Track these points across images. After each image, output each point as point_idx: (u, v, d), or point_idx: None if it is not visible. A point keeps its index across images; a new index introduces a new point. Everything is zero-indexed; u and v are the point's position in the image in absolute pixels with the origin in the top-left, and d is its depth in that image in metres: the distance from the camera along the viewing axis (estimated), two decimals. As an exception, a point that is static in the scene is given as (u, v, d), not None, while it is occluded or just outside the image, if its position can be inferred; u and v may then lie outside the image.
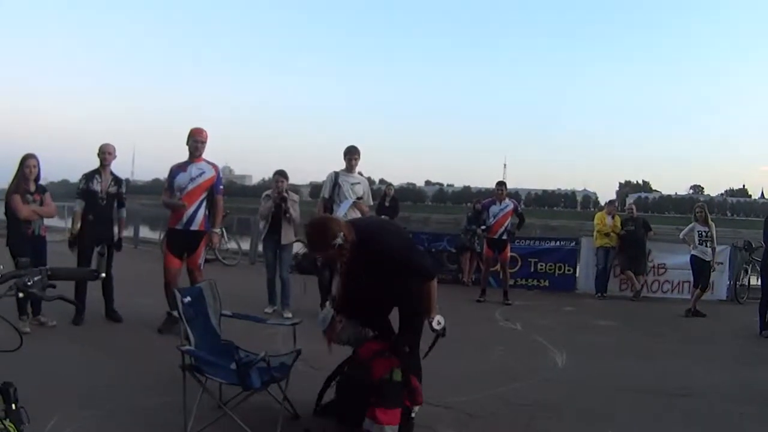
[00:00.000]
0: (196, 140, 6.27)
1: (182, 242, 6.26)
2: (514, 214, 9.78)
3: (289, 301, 7.42)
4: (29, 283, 1.93)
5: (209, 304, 4.18)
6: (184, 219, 6.18)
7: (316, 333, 3.98)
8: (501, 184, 9.93)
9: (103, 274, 2.18)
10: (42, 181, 6.39)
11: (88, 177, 6.62)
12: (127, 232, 16.30)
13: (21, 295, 1.93)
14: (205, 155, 6.35)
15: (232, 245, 13.50)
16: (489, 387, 4.98)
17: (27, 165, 6.08)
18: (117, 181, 6.73)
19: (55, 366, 4.98)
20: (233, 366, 3.50)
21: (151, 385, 4.52)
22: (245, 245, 13.68)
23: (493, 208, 9.68)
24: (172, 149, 6.42)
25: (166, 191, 6.42)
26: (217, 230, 6.40)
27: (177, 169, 6.31)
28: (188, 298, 3.97)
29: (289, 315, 7.03)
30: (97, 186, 6.56)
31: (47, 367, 4.88)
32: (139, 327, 6.36)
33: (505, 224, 9.65)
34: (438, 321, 3.71)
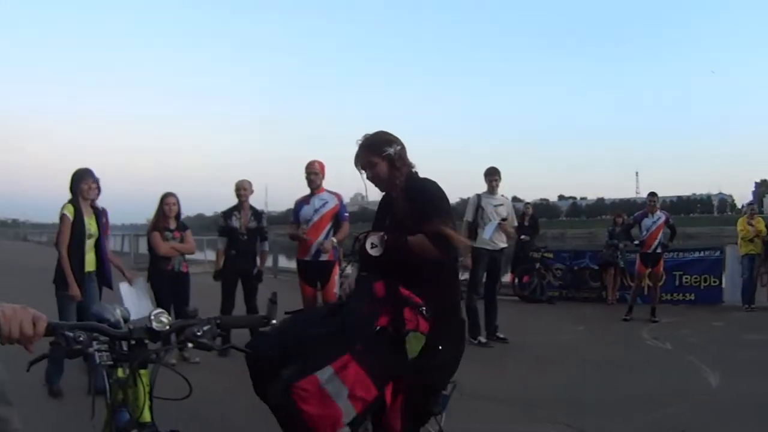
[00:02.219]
0: (308, 173, 6.39)
1: (313, 273, 6.39)
2: (665, 226, 9.31)
3: None
4: (198, 333, 1.90)
5: None
6: (312, 250, 6.28)
7: (472, 359, 3.75)
8: (653, 195, 9.52)
9: (274, 321, 2.02)
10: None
11: (227, 215, 6.95)
12: (267, 262, 17.03)
13: (191, 345, 1.90)
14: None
15: None
16: (640, 412, 4.77)
17: (166, 203, 6.40)
18: (257, 215, 6.98)
19: (194, 400, 5.05)
20: None
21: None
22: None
23: (646, 221, 9.25)
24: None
25: (292, 224, 6.55)
26: (334, 240, 6.31)
27: (301, 203, 6.45)
28: None
29: None
30: (236, 222, 6.86)
31: (188, 403, 4.99)
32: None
33: (659, 237, 9.21)
34: (372, 243, 2.75)
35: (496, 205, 7.37)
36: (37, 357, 1.73)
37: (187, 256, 6.79)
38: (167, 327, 1.84)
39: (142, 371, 1.84)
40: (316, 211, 6.33)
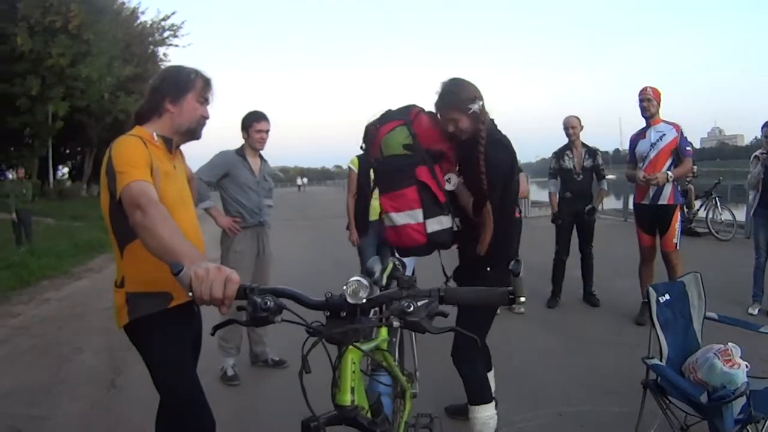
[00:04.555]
0: (640, 99, 5.44)
1: (651, 219, 5.49)
2: None
3: None
4: (409, 310, 1.51)
5: (692, 303, 3.27)
6: (650, 192, 5.39)
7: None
8: None
9: (523, 298, 1.66)
10: (525, 159, 6.29)
11: (558, 155, 6.40)
12: (617, 204, 15.83)
13: (396, 324, 1.53)
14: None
15: (726, 216, 11.59)
16: None
17: None
18: (591, 153, 6.29)
19: (517, 353, 4.85)
20: (704, 398, 2.66)
21: (611, 389, 3.92)
22: (741, 216, 11.60)
23: None
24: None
25: (629, 164, 5.72)
26: (669, 174, 5.23)
27: (636, 138, 5.59)
28: (666, 297, 3.16)
29: None
30: (569, 163, 6.27)
31: (516, 353, 4.78)
32: (615, 314, 5.78)
33: None
34: (448, 178, 2.81)
35: None
36: (222, 322, 1.67)
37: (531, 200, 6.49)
38: (363, 301, 1.55)
39: (350, 347, 1.59)
40: (652, 145, 5.40)
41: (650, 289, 3.13)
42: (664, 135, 5.36)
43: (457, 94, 2.77)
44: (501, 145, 2.84)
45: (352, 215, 5.48)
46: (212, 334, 1.76)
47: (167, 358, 2.27)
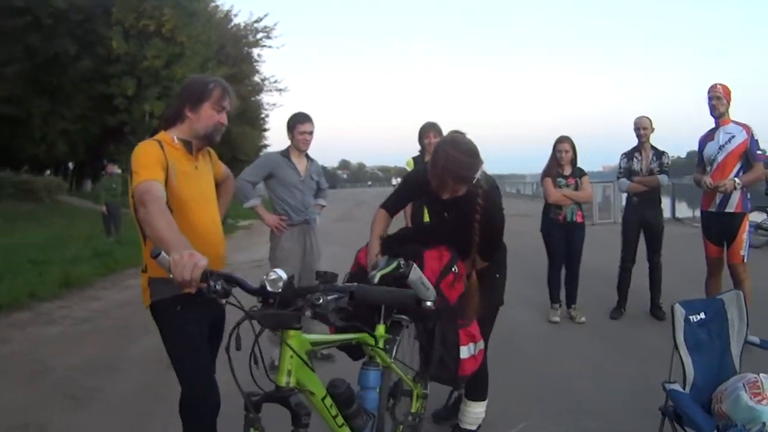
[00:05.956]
0: (709, 97, 5.14)
1: (717, 228, 5.17)
2: None
3: None
4: (318, 302, 1.72)
5: (732, 324, 2.87)
6: (717, 199, 5.08)
7: None
8: None
9: (429, 303, 1.75)
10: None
11: (628, 156, 6.20)
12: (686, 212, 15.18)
13: (309, 314, 1.73)
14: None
15: None
16: None
17: (558, 149, 5.99)
18: (658, 155, 6.05)
19: (566, 363, 4.77)
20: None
21: (650, 409, 3.70)
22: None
23: None
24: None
25: (697, 167, 5.41)
26: (736, 181, 4.94)
27: (704, 139, 5.29)
28: (702, 315, 2.79)
29: None
30: (637, 165, 6.08)
31: (564, 363, 4.71)
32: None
33: None
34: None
35: None
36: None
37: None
38: (279, 290, 1.72)
39: (290, 333, 1.78)
40: (720, 148, 5.11)
41: (677, 305, 2.76)
42: (734, 137, 5.06)
43: (468, 170, 2.69)
44: (496, 192, 2.94)
45: (410, 216, 5.44)
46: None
47: (179, 336, 2.49)
